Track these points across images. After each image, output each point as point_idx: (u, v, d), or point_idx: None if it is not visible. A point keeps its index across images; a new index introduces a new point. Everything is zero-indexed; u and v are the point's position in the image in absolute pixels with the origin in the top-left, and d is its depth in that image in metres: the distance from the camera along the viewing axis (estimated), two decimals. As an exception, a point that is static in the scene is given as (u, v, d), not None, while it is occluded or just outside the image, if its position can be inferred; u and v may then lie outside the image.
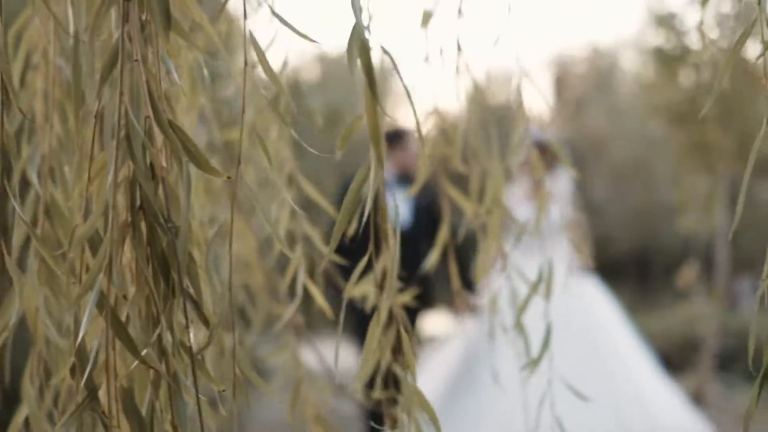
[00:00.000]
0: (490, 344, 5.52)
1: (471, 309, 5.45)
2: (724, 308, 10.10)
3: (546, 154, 5.74)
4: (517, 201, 5.78)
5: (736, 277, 11.23)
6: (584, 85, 18.88)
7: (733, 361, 8.00)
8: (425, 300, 5.11)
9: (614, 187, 17.05)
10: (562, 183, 5.94)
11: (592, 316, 5.58)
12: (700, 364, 6.78)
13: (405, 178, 5.17)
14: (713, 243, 6.93)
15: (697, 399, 6.61)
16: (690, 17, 6.60)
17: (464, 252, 5.25)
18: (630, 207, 16.55)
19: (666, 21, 6.62)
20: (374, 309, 4.67)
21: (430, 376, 5.61)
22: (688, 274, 6.71)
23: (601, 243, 16.53)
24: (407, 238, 4.77)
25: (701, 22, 5.53)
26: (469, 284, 5.31)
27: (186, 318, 0.92)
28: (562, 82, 18.97)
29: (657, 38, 6.69)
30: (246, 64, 1.18)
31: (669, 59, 6.63)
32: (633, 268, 17.36)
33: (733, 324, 8.70)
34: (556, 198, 5.72)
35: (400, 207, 5.11)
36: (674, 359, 7.94)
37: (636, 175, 16.54)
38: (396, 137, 5.37)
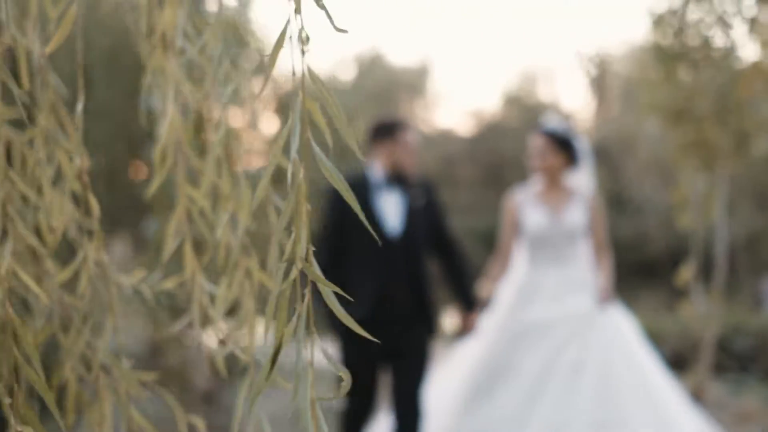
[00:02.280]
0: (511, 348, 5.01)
1: (473, 327, 4.84)
2: (746, 309, 10.06)
3: (566, 149, 5.17)
4: (530, 203, 5.23)
5: (761, 278, 11.15)
6: (623, 84, 18.78)
7: (752, 361, 7.96)
8: (426, 321, 4.65)
9: (652, 186, 16.97)
10: (583, 181, 5.39)
11: (616, 351, 4.99)
12: (698, 362, 6.75)
13: (396, 178, 4.67)
14: (712, 241, 6.89)
15: (696, 397, 6.58)
16: (689, 15, 6.57)
17: (461, 261, 4.82)
18: (667, 206, 16.47)
19: (664, 19, 6.60)
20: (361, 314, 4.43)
21: (450, 378, 5.22)
22: (686, 272, 6.67)
23: (639, 242, 16.51)
24: (396, 247, 4.54)
25: (700, 20, 5.54)
26: (469, 300, 4.82)
27: None
28: (601, 81, 18.90)
29: (655, 36, 6.67)
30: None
31: (667, 57, 6.61)
32: (669, 266, 17.24)
33: (755, 324, 8.64)
34: (575, 198, 5.22)
35: (388, 210, 4.88)
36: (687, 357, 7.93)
37: (673, 174, 16.43)
38: (384, 131, 4.73)
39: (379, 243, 4.44)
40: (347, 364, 4.47)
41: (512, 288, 5.26)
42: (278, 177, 5.29)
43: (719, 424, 6.09)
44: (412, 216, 4.61)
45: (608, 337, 4.98)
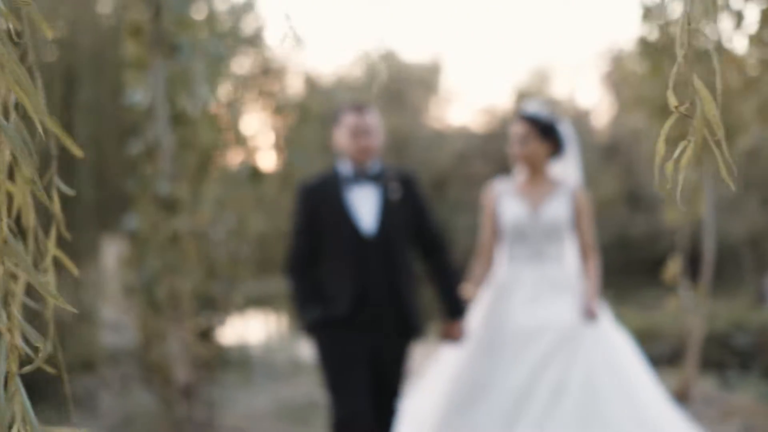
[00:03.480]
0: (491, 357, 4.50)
1: (459, 336, 4.43)
2: (749, 306, 9.97)
3: (550, 136, 4.74)
4: (509, 194, 4.79)
5: (764, 275, 11.07)
6: (637, 80, 18.69)
7: (753, 358, 7.92)
8: (407, 327, 4.27)
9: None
10: (569, 172, 4.93)
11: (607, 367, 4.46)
12: (686, 359, 6.72)
13: (364, 170, 4.29)
14: (699, 236, 6.86)
15: (683, 393, 6.56)
16: (677, 7, 6.54)
17: (446, 261, 4.41)
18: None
19: (652, 11, 6.58)
20: (327, 318, 4.16)
21: (430, 390, 4.77)
22: (673, 268, 6.64)
23: (652, 239, 16.41)
24: (371, 245, 4.16)
25: (687, 13, 5.52)
26: (456, 305, 4.39)
27: None
28: (615, 77, 18.79)
29: (643, 29, 6.65)
30: None
31: (654, 50, 6.59)
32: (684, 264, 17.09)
33: (756, 321, 8.59)
34: (559, 191, 4.76)
35: (361, 206, 4.54)
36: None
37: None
38: (333, 119, 4.46)
39: (353, 241, 4.18)
40: (329, 369, 4.17)
41: (489, 289, 4.81)
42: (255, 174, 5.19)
43: (703, 420, 6.08)
44: (387, 211, 4.22)
45: (595, 352, 4.46)
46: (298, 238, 4.26)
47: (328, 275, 4.20)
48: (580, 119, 18.18)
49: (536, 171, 4.75)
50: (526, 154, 4.71)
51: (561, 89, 20.00)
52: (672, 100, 1.19)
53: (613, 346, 4.55)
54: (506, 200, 4.77)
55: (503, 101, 19.79)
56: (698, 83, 1.24)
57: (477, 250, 4.89)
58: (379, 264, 4.18)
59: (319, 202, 4.23)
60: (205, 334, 5.79)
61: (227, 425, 5.95)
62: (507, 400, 4.40)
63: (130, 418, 6.38)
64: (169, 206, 5.41)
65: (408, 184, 4.34)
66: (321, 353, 4.20)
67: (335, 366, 4.14)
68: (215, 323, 5.86)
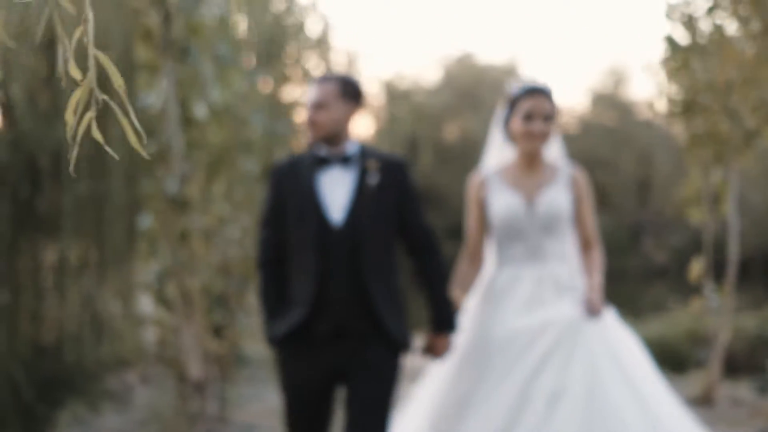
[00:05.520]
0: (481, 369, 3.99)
1: (444, 351, 3.84)
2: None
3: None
4: (499, 182, 4.13)
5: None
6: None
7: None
8: (383, 335, 3.62)
9: (742, 185, 16.53)
10: (554, 154, 4.25)
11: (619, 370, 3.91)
12: (710, 361, 6.60)
13: (337, 150, 3.70)
14: (723, 237, 6.75)
15: (707, 396, 6.47)
16: (702, 6, 6.44)
17: (434, 263, 3.80)
18: (756, 204, 16.03)
19: (677, 10, 6.50)
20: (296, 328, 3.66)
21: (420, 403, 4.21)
22: (697, 268, 6.54)
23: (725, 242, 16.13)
24: (337, 238, 3.61)
25: (711, 11, 5.46)
26: (444, 316, 3.78)
27: None
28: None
29: (668, 27, 6.57)
30: None
31: (679, 49, 6.50)
32: (761, 265, 16.78)
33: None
34: (557, 176, 4.09)
35: (331, 193, 3.81)
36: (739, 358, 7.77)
37: (762, 173, 15.98)
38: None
39: (318, 233, 3.62)
40: (287, 388, 3.70)
41: (478, 294, 4.20)
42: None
43: (724, 422, 5.99)
44: (360, 199, 3.63)
45: (598, 349, 3.92)
46: (264, 231, 3.76)
47: (292, 273, 3.68)
48: (657, 121, 17.91)
49: (536, 155, 4.07)
50: (548, 133, 4.02)
51: (637, 90, 19.73)
52: (75, 73, 1.22)
53: (619, 343, 4.02)
54: (496, 190, 4.12)
55: (580, 103, 19.63)
56: (99, 54, 1.27)
57: (464, 249, 4.26)
58: (344, 260, 3.61)
59: (287, 186, 3.72)
60: (218, 331, 5.91)
61: (239, 421, 6.06)
62: (498, 414, 3.89)
63: (158, 413, 6.55)
64: (179, 205, 5.56)
65: (393, 170, 3.71)
66: (279, 379, 3.77)
67: (292, 388, 3.70)
68: (228, 321, 5.99)
